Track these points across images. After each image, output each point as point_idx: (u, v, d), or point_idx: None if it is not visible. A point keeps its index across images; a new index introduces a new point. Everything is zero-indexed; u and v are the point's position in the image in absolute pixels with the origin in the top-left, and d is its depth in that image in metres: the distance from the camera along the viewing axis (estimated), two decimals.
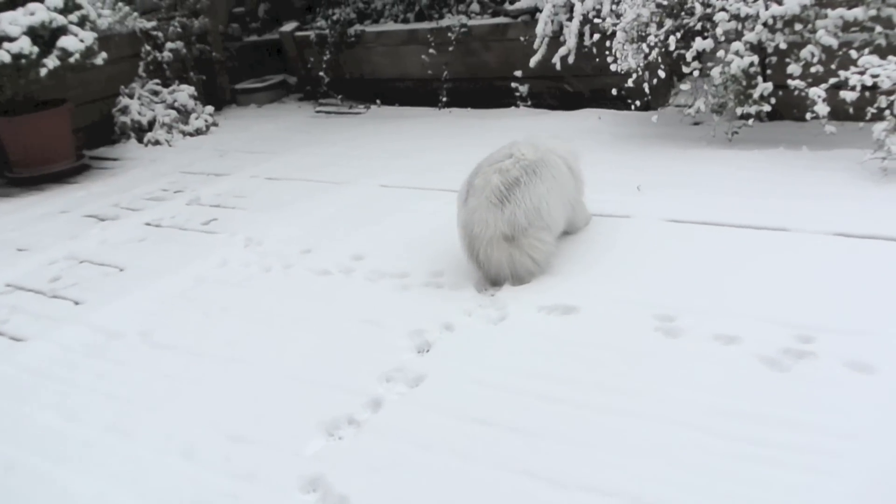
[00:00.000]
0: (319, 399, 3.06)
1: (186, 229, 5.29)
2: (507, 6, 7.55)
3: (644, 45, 5.66)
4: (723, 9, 5.16)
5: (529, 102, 7.40)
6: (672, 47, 5.38)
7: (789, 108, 5.48)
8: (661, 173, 5.04)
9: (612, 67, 5.82)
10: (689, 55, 5.35)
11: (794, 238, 3.89)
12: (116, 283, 4.54)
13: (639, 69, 5.65)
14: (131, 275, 4.62)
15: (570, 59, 6.81)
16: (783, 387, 2.77)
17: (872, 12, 4.77)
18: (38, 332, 4.01)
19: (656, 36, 5.49)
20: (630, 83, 5.67)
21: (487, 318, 3.51)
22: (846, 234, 3.84)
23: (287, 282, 4.23)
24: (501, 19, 7.57)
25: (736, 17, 5.18)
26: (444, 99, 7.82)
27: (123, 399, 3.30)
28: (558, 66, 6.83)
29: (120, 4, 7.85)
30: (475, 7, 7.93)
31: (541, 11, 7.28)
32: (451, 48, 7.72)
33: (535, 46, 7.01)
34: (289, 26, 8.96)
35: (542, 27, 6.88)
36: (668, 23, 5.47)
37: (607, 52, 5.89)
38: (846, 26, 4.89)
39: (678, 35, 5.39)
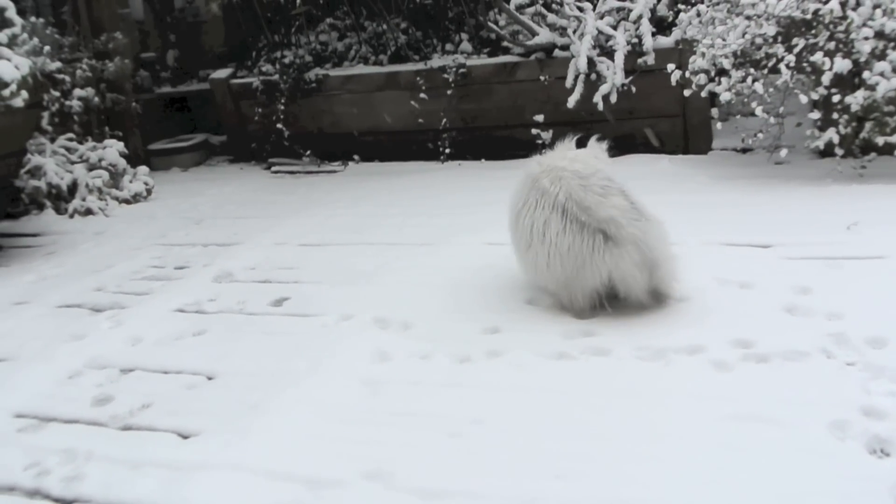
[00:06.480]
0: None
1: (255, 314, 3.69)
2: (507, 44, 6.58)
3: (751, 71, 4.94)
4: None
5: None
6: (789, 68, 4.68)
7: None
8: (836, 211, 4.18)
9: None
10: (825, 78, 4.65)
11: None
12: (221, 398, 2.91)
13: (766, 97, 4.86)
14: (237, 384, 2.99)
15: (613, 98, 5.95)
16: None
17: None
18: (164, 497, 2.35)
19: (782, 55, 4.75)
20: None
21: None
22: None
23: (524, 375, 2.83)
24: (508, 58, 6.57)
25: (880, 34, 4.56)
26: (448, 150, 6.62)
27: None
28: (600, 106, 5.94)
29: (24, 36, 6.00)
30: (465, 46, 6.88)
31: (559, 48, 6.41)
32: (449, 91, 6.59)
33: (568, 85, 6.08)
34: (221, 73, 7.41)
35: (583, 62, 5.96)
36: (800, 42, 4.73)
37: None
38: None
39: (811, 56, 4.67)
